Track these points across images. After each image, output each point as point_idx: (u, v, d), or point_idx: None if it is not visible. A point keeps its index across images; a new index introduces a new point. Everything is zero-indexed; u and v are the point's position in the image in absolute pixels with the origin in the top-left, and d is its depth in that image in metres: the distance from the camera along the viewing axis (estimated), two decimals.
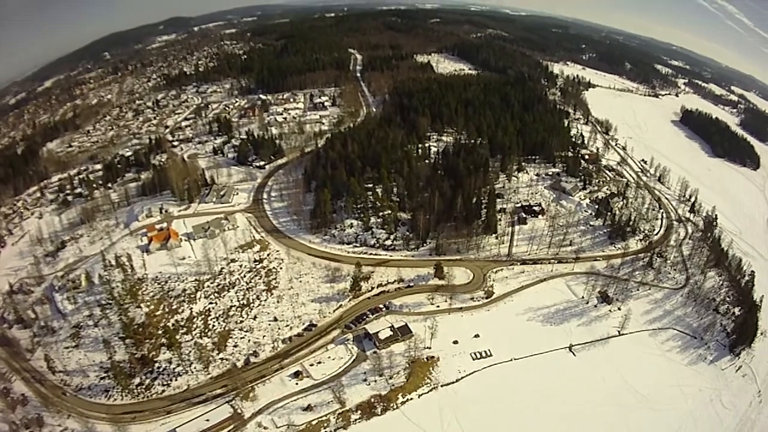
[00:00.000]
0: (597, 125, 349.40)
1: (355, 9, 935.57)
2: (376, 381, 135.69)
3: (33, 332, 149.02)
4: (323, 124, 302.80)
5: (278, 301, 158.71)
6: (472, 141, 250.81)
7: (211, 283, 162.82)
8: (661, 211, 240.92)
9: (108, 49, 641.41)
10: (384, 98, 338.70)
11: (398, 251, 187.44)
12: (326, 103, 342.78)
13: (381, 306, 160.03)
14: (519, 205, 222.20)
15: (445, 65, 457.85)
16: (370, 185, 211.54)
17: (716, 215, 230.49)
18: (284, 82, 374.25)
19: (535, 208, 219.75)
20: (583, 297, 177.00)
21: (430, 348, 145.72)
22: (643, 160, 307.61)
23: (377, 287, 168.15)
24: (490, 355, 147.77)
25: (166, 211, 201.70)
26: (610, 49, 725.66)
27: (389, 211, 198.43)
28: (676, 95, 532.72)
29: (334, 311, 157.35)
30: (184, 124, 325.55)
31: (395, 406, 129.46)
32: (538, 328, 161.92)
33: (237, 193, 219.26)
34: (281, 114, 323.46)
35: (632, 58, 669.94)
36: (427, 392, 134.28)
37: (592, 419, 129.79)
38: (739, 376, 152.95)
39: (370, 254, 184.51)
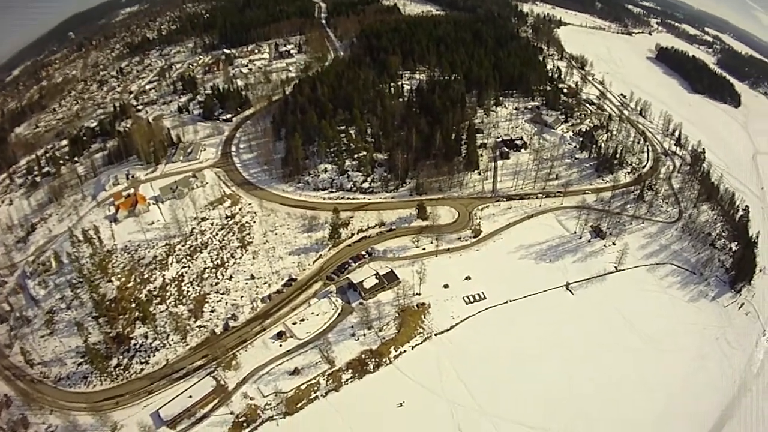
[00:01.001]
0: (572, 61, 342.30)
1: None
2: (365, 335, 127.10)
3: (10, 325, 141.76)
4: (290, 71, 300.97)
5: (254, 258, 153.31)
6: (446, 77, 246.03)
7: (183, 245, 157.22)
8: (647, 144, 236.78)
9: (72, 29, 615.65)
10: (352, 41, 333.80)
11: (377, 194, 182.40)
12: (292, 51, 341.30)
13: (363, 253, 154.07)
14: (500, 139, 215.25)
15: (412, 8, 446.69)
16: (343, 127, 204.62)
17: (703, 149, 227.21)
18: (248, 36, 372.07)
19: (517, 142, 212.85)
20: (575, 232, 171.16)
21: (419, 294, 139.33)
22: (622, 94, 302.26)
23: (358, 233, 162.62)
24: (484, 298, 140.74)
25: (132, 177, 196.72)
26: None
27: (364, 153, 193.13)
28: (650, 33, 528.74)
29: (313, 263, 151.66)
30: (148, 87, 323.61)
31: (388, 361, 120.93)
32: (531, 267, 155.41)
33: (204, 149, 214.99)
34: (246, 66, 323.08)
35: None
36: (421, 343, 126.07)
37: (596, 361, 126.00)
38: (742, 314, 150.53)
39: (348, 199, 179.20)
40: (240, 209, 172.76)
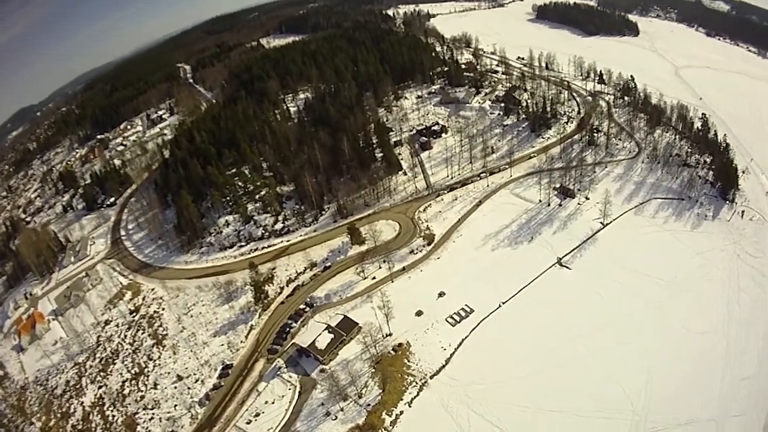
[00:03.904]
0: (457, 42, 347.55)
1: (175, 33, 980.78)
2: (342, 410, 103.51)
3: None
4: (165, 134, 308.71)
5: (174, 353, 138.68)
6: (332, 86, 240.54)
7: (93, 361, 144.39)
8: (572, 92, 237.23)
9: None
10: (222, 85, 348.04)
11: (295, 232, 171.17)
12: (164, 116, 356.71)
13: (302, 306, 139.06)
14: (414, 132, 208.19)
15: (276, 42, 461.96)
16: (234, 170, 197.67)
17: (631, 76, 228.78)
18: (118, 115, 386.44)
19: (435, 128, 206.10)
20: (540, 200, 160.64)
21: (391, 334, 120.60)
22: (519, 57, 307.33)
23: (287, 285, 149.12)
24: (471, 311, 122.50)
25: (30, 295, 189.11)
26: None
27: (266, 190, 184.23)
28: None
29: (246, 338, 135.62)
30: (33, 196, 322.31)
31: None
32: (509, 255, 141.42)
33: (93, 243, 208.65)
34: (121, 144, 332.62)
35: None
36: (417, 394, 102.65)
37: (624, 325, 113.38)
38: (747, 220, 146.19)
39: (263, 248, 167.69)
40: (143, 299, 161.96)
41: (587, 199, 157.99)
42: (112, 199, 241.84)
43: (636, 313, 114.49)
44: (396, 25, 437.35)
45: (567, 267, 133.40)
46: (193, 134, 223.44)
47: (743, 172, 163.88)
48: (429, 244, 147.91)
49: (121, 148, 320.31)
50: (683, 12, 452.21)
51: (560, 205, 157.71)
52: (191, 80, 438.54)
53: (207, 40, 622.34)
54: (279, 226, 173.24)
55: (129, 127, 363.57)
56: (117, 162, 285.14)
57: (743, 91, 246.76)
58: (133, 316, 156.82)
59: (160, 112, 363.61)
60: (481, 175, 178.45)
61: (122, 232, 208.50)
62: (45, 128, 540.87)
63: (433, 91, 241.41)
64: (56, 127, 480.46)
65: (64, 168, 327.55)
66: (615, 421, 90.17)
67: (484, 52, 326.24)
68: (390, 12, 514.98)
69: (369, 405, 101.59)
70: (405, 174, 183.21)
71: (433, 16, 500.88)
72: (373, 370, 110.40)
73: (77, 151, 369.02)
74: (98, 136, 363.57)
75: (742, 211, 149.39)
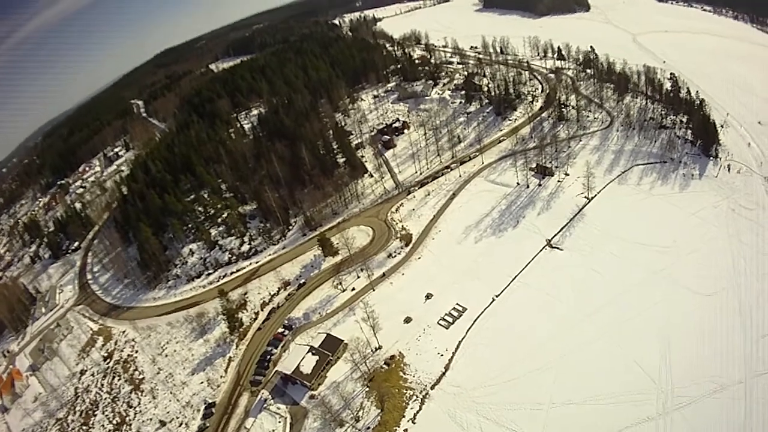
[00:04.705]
0: (407, 41, 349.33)
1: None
2: None
3: None
4: (123, 170, 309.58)
5: (154, 397, 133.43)
6: (285, 98, 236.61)
7: (73, 415, 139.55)
8: (529, 71, 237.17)
9: None
10: (174, 113, 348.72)
11: (263, 252, 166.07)
12: (120, 152, 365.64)
13: (281, 330, 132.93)
14: (374, 132, 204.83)
15: (225, 65, 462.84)
16: (192, 196, 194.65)
17: (591, 47, 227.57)
18: (77, 158, 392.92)
19: (396, 125, 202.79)
20: (518, 183, 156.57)
21: (380, 347, 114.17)
22: (472, 46, 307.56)
23: (262, 309, 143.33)
24: (464, 310, 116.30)
25: (8, 352, 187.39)
26: None
27: (228, 211, 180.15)
28: None
29: (225, 371, 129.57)
30: (2, 251, 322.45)
31: None
32: (495, 245, 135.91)
33: (62, 291, 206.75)
34: (81, 186, 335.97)
35: None
36: (420, 409, 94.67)
37: (630, 299, 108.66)
38: (735, 173, 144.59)
39: (232, 273, 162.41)
40: (115, 343, 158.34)
41: (567, 175, 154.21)
42: (76, 244, 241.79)
43: (641, 285, 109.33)
44: (343, 32, 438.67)
45: (558, 248, 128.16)
46: (148, 165, 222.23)
47: (722, 127, 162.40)
48: (407, 245, 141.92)
49: (80, 190, 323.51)
50: None
51: (540, 185, 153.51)
52: (144, 114, 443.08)
53: (158, 73, 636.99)
54: (246, 247, 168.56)
55: (87, 168, 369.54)
56: (78, 205, 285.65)
57: (706, 48, 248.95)
58: (108, 363, 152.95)
59: (116, 150, 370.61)
60: (452, 166, 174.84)
61: (89, 276, 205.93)
62: (9, 182, 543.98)
63: (389, 89, 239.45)
64: (20, 180, 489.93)
65: (28, 218, 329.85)
66: (640, 403, 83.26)
67: (436, 47, 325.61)
68: (336, 21, 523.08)
69: (369, 428, 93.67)
70: (371, 176, 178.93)
71: (380, 19, 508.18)
72: (368, 389, 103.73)
73: (40, 199, 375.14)
74: (59, 182, 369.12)
75: (728, 165, 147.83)
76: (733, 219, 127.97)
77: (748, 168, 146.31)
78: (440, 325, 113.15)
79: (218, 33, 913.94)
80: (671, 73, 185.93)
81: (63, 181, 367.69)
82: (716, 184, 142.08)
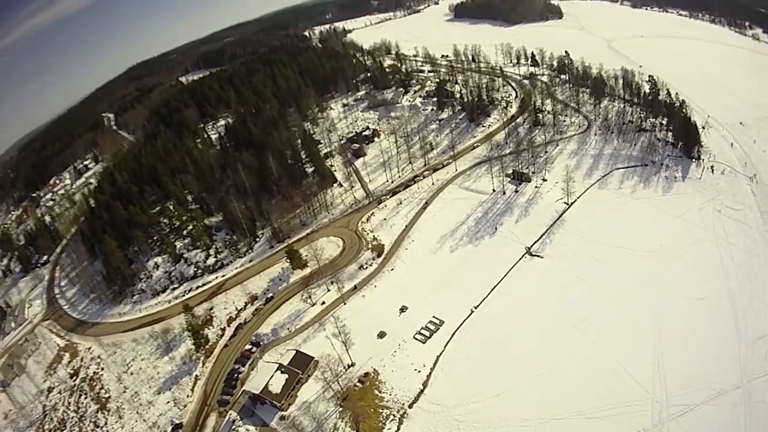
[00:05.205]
0: (377, 51, 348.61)
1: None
2: None
3: None
4: (91, 183, 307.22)
5: (120, 417, 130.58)
6: (253, 107, 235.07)
7: None
8: (502, 77, 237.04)
9: None
10: (143, 125, 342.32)
11: (230, 265, 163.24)
12: (89, 165, 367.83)
13: (248, 347, 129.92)
14: (344, 140, 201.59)
15: (195, 77, 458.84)
16: (158, 207, 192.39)
17: (566, 52, 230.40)
18: (48, 171, 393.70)
19: (366, 133, 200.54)
20: (494, 190, 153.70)
21: (353, 364, 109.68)
22: (443, 55, 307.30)
23: (229, 325, 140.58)
24: (442, 323, 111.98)
25: None
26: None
27: (193, 223, 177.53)
28: (437, 3, 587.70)
29: (192, 390, 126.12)
30: None
31: None
32: (472, 254, 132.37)
33: (30, 305, 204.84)
34: (51, 199, 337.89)
35: None
36: (398, 429, 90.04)
37: (618, 306, 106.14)
38: (719, 174, 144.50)
39: (197, 287, 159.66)
40: (81, 360, 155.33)
41: (545, 180, 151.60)
42: (45, 257, 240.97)
43: (628, 291, 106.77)
44: (313, 44, 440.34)
45: (538, 256, 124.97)
46: (115, 176, 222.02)
47: (703, 128, 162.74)
48: (379, 256, 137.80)
49: (50, 203, 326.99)
50: None
51: (516, 191, 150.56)
52: (114, 126, 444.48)
53: (129, 86, 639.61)
54: (212, 260, 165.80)
55: (58, 181, 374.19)
56: (47, 218, 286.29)
57: (682, 52, 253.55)
58: (74, 380, 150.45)
59: (85, 162, 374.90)
60: (424, 173, 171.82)
61: (56, 291, 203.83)
62: None
63: (359, 97, 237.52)
64: None
65: (0, 232, 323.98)
66: (634, 415, 79.71)
67: (407, 56, 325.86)
68: (306, 33, 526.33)
69: None
70: (341, 185, 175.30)
71: (350, 31, 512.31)
72: (341, 409, 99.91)
73: (12, 213, 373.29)
74: (31, 195, 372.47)
75: (712, 166, 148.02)
76: (719, 220, 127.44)
77: (732, 168, 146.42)
78: (416, 339, 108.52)
79: (190, 46, 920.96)
80: (650, 76, 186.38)
81: (34, 194, 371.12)
82: (700, 186, 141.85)
